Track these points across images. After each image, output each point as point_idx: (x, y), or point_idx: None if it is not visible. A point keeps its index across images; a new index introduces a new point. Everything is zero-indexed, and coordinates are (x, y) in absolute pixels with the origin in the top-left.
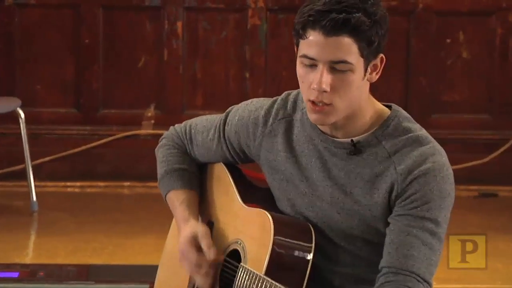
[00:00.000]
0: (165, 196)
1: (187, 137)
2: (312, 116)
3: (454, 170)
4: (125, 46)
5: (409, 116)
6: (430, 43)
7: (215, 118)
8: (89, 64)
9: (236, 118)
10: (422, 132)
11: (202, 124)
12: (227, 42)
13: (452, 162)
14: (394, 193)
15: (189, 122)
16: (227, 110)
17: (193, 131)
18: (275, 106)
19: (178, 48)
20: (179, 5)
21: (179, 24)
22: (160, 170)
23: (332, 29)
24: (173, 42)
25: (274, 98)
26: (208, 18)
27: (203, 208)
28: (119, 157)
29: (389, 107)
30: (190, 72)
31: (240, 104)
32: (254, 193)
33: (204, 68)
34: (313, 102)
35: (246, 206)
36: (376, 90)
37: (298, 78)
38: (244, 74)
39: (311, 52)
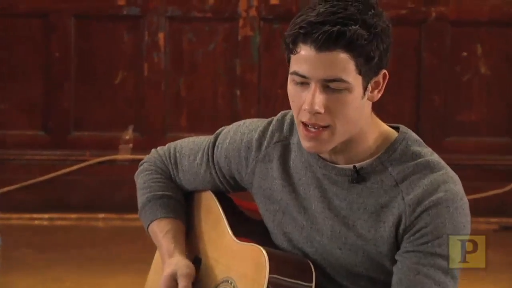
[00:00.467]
0: (147, 227)
1: (172, 161)
2: (306, 144)
3: (471, 201)
4: (100, 60)
5: (419, 139)
6: (444, 57)
7: (203, 140)
8: (60, 80)
9: (227, 141)
10: (434, 157)
11: (189, 147)
12: (215, 56)
13: (469, 191)
14: (401, 227)
15: (173, 144)
16: (217, 132)
17: (178, 154)
18: (270, 128)
19: (160, 62)
20: (161, 14)
21: (161, 35)
22: (141, 198)
23: (325, 43)
24: (154, 56)
25: (269, 119)
26: (194, 28)
27: (189, 243)
28: (93, 185)
29: (397, 128)
30: (174, 90)
31: (231, 125)
32: (247, 225)
33: (189, 85)
34: (305, 126)
35: (238, 241)
36: (382, 110)
37: (289, 98)
38: (235, 92)
39: (302, 69)
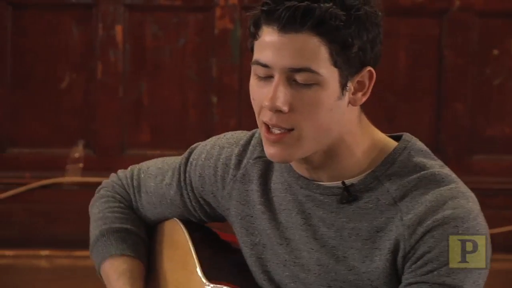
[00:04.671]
0: (99, 266)
1: (134, 184)
2: (269, 151)
3: (502, 234)
4: (41, 59)
5: (426, 149)
6: (470, 55)
7: (175, 159)
8: None
9: (203, 156)
10: (444, 170)
11: (157, 166)
12: (185, 54)
13: (499, 222)
14: (400, 253)
15: (138, 165)
16: (192, 147)
17: (142, 175)
18: (253, 141)
19: (117, 62)
20: (119, 2)
21: (119, 29)
22: (94, 231)
23: (290, 21)
24: (110, 54)
25: (253, 130)
26: (159, 20)
27: (151, 287)
28: (34, 215)
29: (400, 138)
30: (134, 97)
31: (209, 139)
32: (225, 264)
33: (153, 91)
34: (267, 128)
35: (208, 284)
36: (393, 121)
37: (250, 95)
38: (210, 99)
39: (264, 56)
